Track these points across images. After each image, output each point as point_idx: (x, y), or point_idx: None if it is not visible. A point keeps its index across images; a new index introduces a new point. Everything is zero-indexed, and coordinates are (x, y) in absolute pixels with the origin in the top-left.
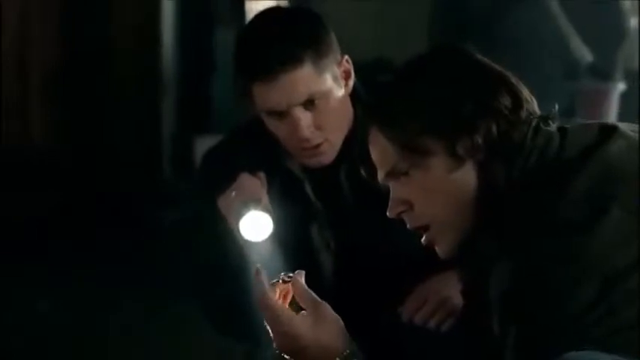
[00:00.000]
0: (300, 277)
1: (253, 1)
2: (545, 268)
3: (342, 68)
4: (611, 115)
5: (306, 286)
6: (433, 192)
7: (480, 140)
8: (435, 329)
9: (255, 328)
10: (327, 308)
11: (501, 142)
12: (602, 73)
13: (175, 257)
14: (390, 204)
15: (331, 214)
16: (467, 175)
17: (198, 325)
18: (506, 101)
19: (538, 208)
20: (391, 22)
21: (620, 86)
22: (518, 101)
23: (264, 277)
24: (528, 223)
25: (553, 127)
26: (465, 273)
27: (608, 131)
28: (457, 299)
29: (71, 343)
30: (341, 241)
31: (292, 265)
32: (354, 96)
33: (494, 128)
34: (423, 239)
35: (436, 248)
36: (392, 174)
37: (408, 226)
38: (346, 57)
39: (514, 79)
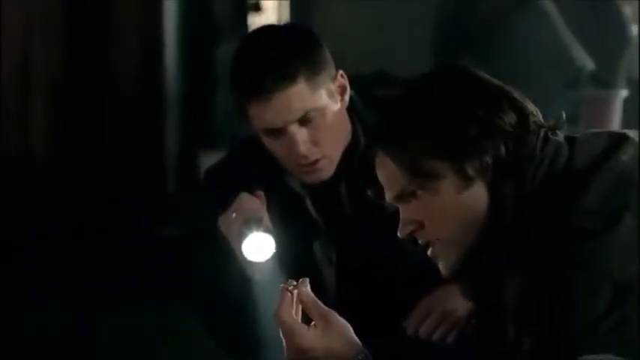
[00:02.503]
0: (305, 285)
1: (256, 16)
2: (560, 278)
3: (337, 83)
4: (615, 123)
5: (312, 296)
6: (443, 212)
7: (489, 160)
8: (440, 342)
9: (260, 346)
10: (334, 316)
11: (510, 159)
12: (605, 80)
13: (176, 271)
14: (400, 225)
15: (332, 228)
16: (476, 194)
17: (197, 337)
18: (511, 118)
19: (550, 219)
20: (392, 34)
21: (623, 93)
22: (523, 116)
23: (285, 294)
24: (541, 235)
25: (560, 136)
26: (473, 286)
27: (619, 140)
28: (461, 311)
29: (68, 351)
30: (343, 255)
31: (296, 280)
32: (351, 110)
33: (502, 147)
34: (429, 252)
35: (439, 264)
36: (400, 197)
37: (419, 242)
38: (341, 72)
39: (517, 94)
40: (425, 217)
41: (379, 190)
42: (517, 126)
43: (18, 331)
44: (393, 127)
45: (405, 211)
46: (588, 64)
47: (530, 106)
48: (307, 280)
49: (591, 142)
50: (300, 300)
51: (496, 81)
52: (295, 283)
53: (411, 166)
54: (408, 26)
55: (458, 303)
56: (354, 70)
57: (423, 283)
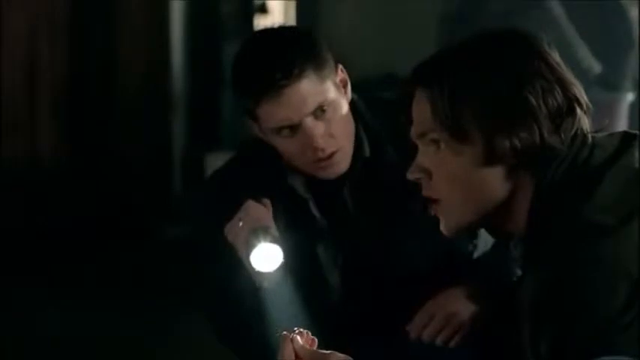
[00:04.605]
0: (301, 337)
1: (261, 18)
2: (577, 274)
3: (339, 77)
4: (621, 126)
5: (307, 348)
6: (454, 176)
7: (518, 144)
8: (443, 346)
9: (270, 348)
10: (336, 357)
11: (539, 149)
12: (611, 83)
13: (183, 273)
14: (411, 166)
15: (337, 231)
16: (493, 177)
17: (199, 338)
18: (556, 107)
19: (566, 214)
20: (397, 35)
21: (630, 96)
22: (569, 111)
23: (287, 342)
24: (557, 230)
25: (589, 135)
26: (484, 287)
27: (630, 139)
28: (465, 314)
29: (69, 351)
30: (348, 258)
31: (300, 283)
32: (354, 112)
33: (537, 136)
34: (431, 209)
35: (440, 223)
36: (424, 137)
37: (422, 192)
38: (340, 66)
39: (576, 87)
40: (436, 171)
41: (411, 122)
42: (561, 116)
43: (18, 331)
44: (443, 71)
45: (421, 155)
46: (594, 66)
47: (584, 101)
48: (304, 332)
49: (607, 141)
50: (296, 354)
51: (560, 69)
52: (298, 330)
53: (444, 116)
54: (413, 27)
55: (461, 306)
56: (360, 71)
57: (427, 285)
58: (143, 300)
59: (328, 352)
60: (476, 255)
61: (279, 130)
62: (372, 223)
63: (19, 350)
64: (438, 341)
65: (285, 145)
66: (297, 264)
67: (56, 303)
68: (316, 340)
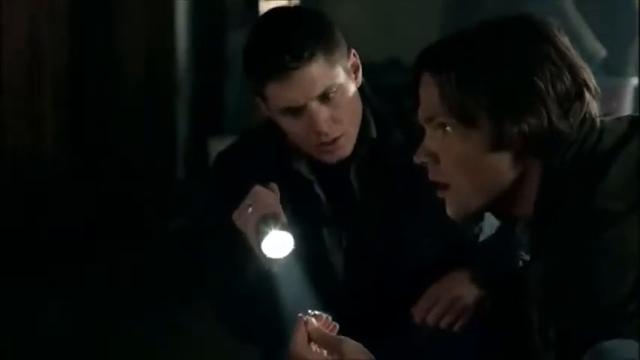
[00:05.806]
0: (318, 320)
1: (265, 3)
2: (583, 264)
3: (351, 62)
4: (626, 111)
5: (322, 330)
6: (462, 161)
7: (526, 129)
8: (447, 329)
9: (277, 333)
10: (346, 344)
11: (547, 135)
12: (615, 68)
13: (182, 273)
14: (418, 150)
15: (342, 213)
16: (500, 162)
17: (203, 339)
18: (563, 92)
19: (574, 200)
20: (400, 27)
21: (634, 82)
22: (578, 94)
23: (301, 326)
24: (565, 216)
25: (597, 119)
26: (490, 273)
27: (637, 124)
28: (469, 298)
29: (73, 347)
30: (352, 240)
31: (305, 266)
32: (360, 95)
33: (545, 121)
34: (438, 193)
35: (446, 208)
36: (431, 121)
37: (429, 176)
38: (353, 51)
39: (586, 72)
40: (443, 155)
41: (419, 105)
42: (567, 101)
43: (18, 331)
44: (452, 56)
45: (428, 139)
46: (600, 51)
47: (591, 85)
48: (324, 315)
49: (615, 126)
50: (309, 336)
51: (570, 53)
52: (314, 313)
53: (452, 102)
54: (416, 20)
55: (466, 290)
56: (365, 61)
57: (432, 268)
58: (143, 300)
59: (341, 337)
60: (481, 238)
61: (285, 111)
62: (376, 206)
63: (19, 350)
64: (442, 324)
65: (291, 126)
66: (303, 247)
67: (56, 303)
68: (337, 326)
